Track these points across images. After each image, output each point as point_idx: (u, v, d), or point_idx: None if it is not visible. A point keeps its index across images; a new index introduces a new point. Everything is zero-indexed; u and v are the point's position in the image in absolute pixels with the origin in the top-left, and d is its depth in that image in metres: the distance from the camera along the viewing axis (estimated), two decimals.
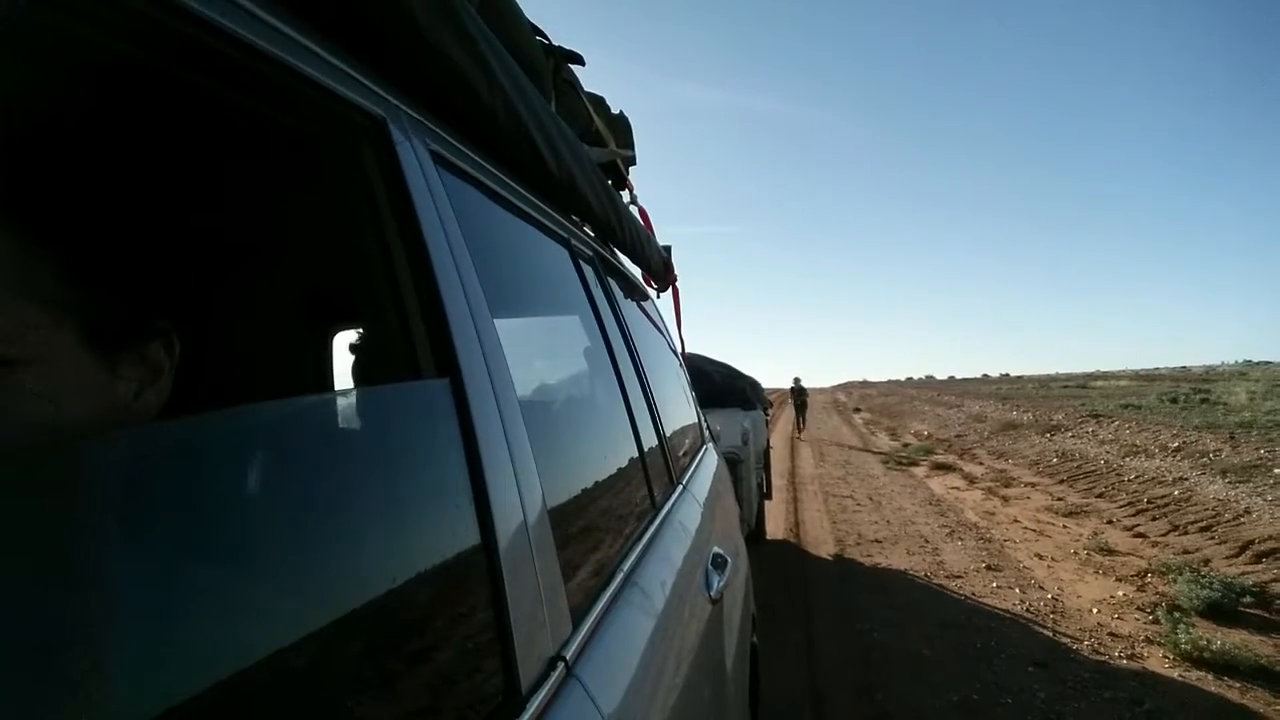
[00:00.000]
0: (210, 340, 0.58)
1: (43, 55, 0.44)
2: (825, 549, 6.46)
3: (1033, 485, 9.61)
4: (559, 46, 1.71)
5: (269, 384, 0.66)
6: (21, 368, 0.40)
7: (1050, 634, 4.33)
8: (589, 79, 1.91)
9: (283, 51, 0.57)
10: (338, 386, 0.68)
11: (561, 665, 0.72)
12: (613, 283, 1.84)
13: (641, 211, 2.48)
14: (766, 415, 8.15)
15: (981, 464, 11.91)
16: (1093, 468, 10.31)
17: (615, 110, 2.22)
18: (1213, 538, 6.43)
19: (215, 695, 0.37)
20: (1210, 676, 3.68)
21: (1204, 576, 4.98)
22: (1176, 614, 4.44)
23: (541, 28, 1.61)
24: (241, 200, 0.68)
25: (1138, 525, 7.09)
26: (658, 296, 2.80)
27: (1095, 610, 4.73)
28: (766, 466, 7.48)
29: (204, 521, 0.42)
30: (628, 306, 1.98)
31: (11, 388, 0.40)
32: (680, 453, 2.11)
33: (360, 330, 0.74)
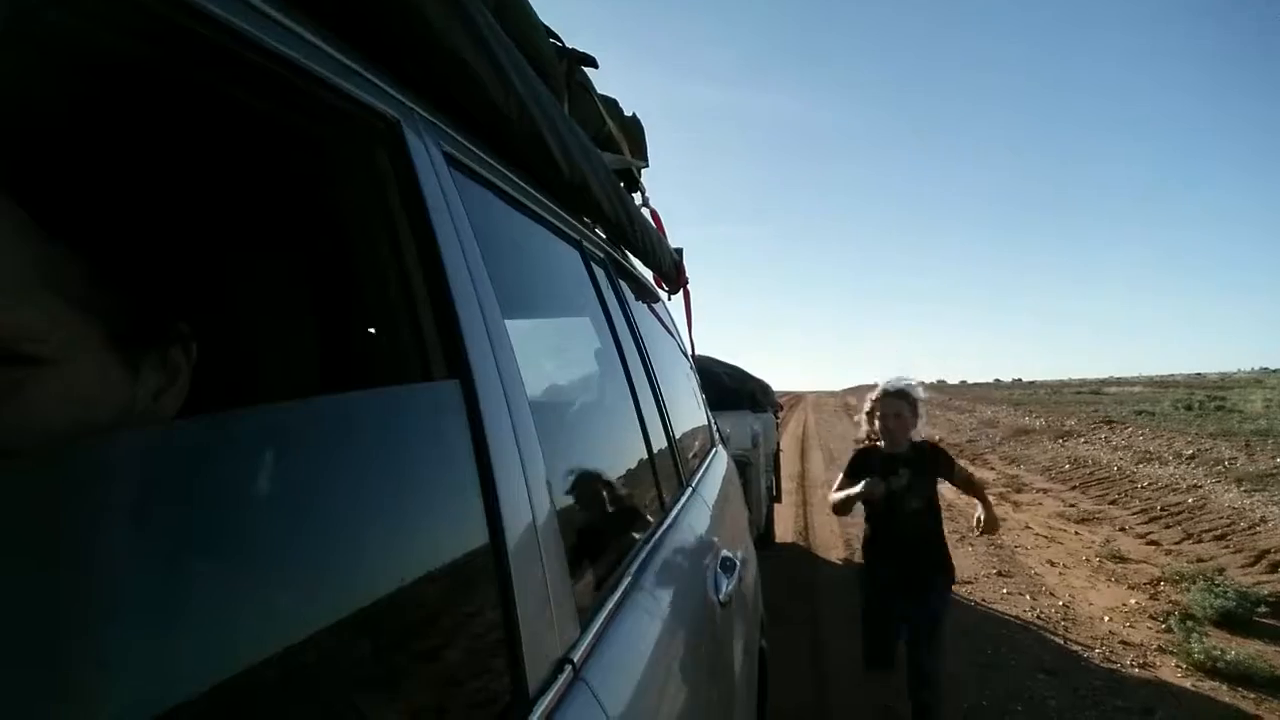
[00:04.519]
0: (224, 341, 0.58)
1: (66, 60, 0.45)
2: (835, 553, 6.43)
3: (1045, 491, 9.54)
4: (572, 49, 1.71)
5: (282, 384, 0.66)
6: (50, 367, 0.41)
7: (1061, 641, 4.29)
8: (601, 80, 1.91)
9: (298, 54, 0.58)
10: (349, 387, 0.68)
11: (569, 668, 0.72)
12: (624, 285, 1.84)
13: (653, 214, 2.48)
14: (776, 418, 8.12)
15: (993, 469, 11.83)
16: (1105, 474, 10.21)
17: (628, 113, 2.22)
18: (1227, 546, 6.35)
19: (225, 694, 0.37)
20: (1224, 687, 3.64)
21: (1218, 585, 4.91)
22: (1189, 623, 4.39)
23: (555, 29, 1.61)
24: (256, 201, 0.69)
25: (1151, 533, 7.02)
26: (669, 299, 2.80)
27: (1107, 618, 4.68)
28: (776, 469, 7.46)
29: (216, 521, 0.42)
30: (639, 308, 1.98)
31: (39, 386, 0.40)
32: (690, 455, 2.11)
33: (372, 331, 0.74)
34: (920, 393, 2.87)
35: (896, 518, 2.79)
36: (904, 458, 2.83)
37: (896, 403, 2.85)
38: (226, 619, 0.40)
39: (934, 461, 2.88)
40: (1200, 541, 6.61)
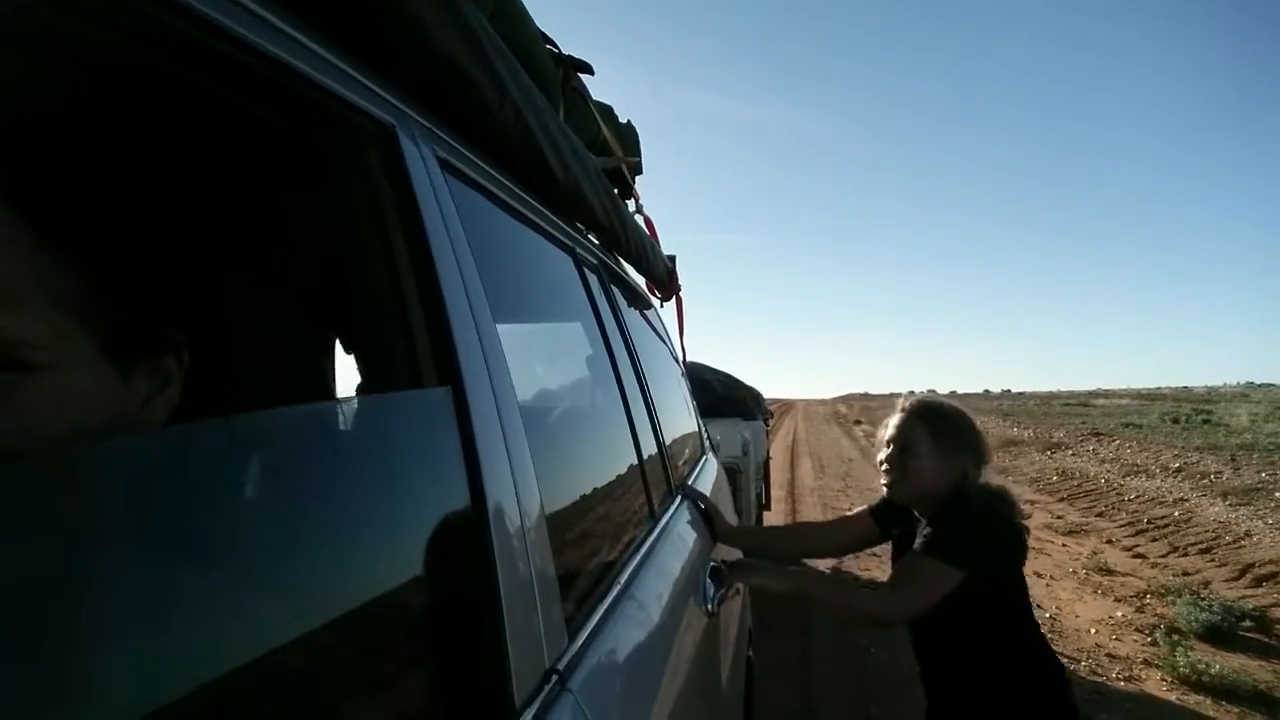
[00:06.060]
0: (215, 347, 0.58)
1: (59, 64, 0.45)
2: (824, 563, 6.44)
3: (1032, 503, 9.57)
4: (569, 56, 1.71)
5: (272, 391, 0.66)
6: (44, 373, 0.41)
7: None
8: (597, 87, 1.92)
9: (293, 58, 0.58)
10: (340, 394, 0.67)
11: (555, 678, 0.72)
12: (616, 291, 1.84)
13: (647, 221, 2.49)
14: (767, 426, 8.13)
15: None
16: (1093, 486, 10.27)
17: (623, 120, 2.23)
18: (1213, 560, 6.40)
19: (211, 698, 0.37)
20: (1208, 700, 3.66)
21: (1203, 599, 4.95)
22: (1175, 636, 4.41)
23: (551, 35, 1.61)
24: (250, 207, 0.68)
25: (1137, 545, 7.06)
26: (661, 306, 2.80)
27: (1093, 630, 4.70)
28: (766, 477, 7.47)
29: (203, 527, 0.42)
30: (631, 315, 1.98)
31: (33, 392, 0.40)
32: (680, 462, 2.11)
33: (363, 337, 0.74)
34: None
35: (918, 633, 1.67)
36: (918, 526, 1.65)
37: (906, 429, 1.65)
38: (213, 624, 0.40)
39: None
40: (1186, 555, 6.65)
